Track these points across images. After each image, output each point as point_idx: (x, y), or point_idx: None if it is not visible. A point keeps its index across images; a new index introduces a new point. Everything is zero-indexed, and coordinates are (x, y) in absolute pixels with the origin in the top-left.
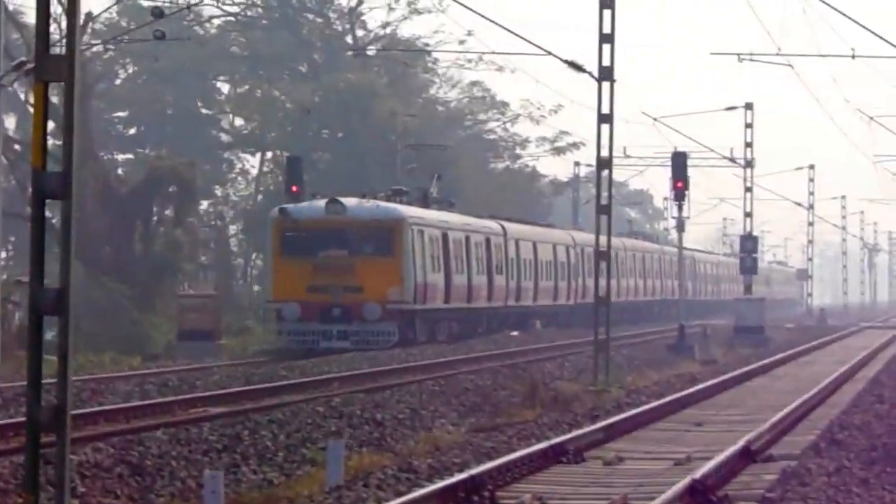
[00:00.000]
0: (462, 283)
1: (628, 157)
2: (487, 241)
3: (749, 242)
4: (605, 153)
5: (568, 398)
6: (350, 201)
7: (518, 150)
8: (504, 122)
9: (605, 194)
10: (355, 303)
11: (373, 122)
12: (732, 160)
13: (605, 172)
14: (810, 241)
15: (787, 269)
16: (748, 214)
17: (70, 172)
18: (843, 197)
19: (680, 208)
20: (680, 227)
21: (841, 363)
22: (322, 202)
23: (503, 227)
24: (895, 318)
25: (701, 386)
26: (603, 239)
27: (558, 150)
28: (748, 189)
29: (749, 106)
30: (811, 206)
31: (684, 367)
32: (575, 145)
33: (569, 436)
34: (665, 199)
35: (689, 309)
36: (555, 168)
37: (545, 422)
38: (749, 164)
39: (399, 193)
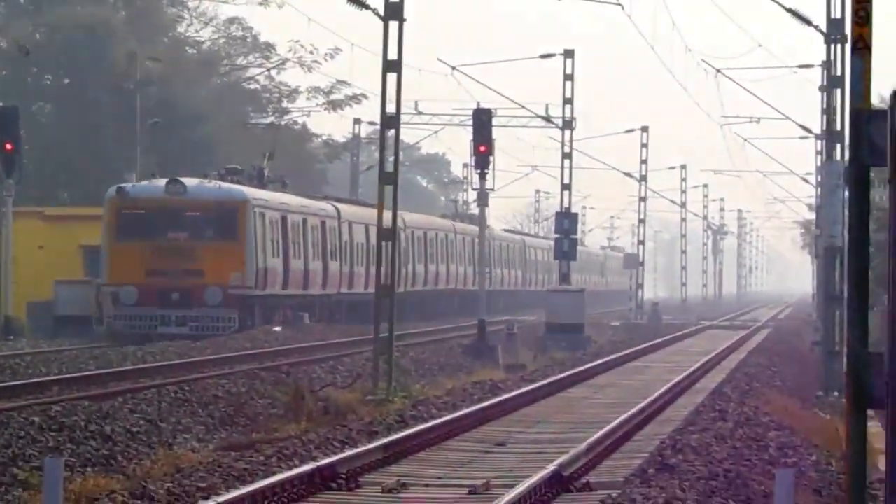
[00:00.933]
0: (299, 268)
1: (421, 113)
2: (323, 224)
3: (566, 220)
4: (391, 109)
5: (341, 410)
6: (191, 181)
7: (285, 104)
8: (268, 69)
9: (390, 159)
10: (196, 287)
11: (106, 67)
12: (548, 119)
13: (392, 132)
14: (642, 221)
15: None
16: (566, 186)
17: None
18: (684, 167)
19: (482, 177)
20: (482, 199)
21: (676, 370)
22: (162, 182)
23: (337, 210)
24: (744, 317)
25: (504, 397)
26: (388, 215)
27: (334, 105)
28: (567, 155)
29: (569, 54)
30: (643, 178)
31: (485, 374)
32: (355, 98)
33: (340, 456)
34: (465, 165)
35: (517, 301)
36: (330, 126)
37: (312, 439)
38: (568, 124)
39: (233, 172)
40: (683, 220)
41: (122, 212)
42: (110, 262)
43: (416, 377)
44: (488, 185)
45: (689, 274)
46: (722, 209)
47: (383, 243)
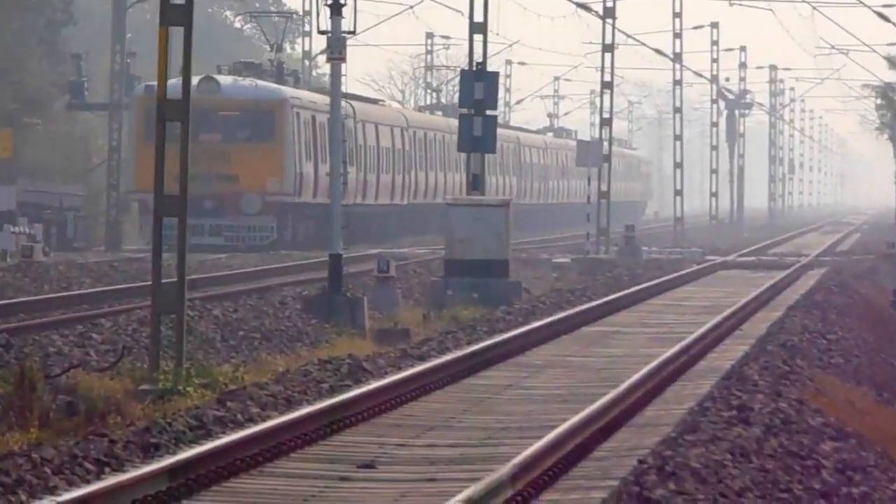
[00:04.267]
0: (325, 174)
1: None
2: (343, 125)
3: (480, 84)
4: None
5: (97, 408)
6: (225, 79)
7: None
8: None
9: None
10: (230, 194)
11: None
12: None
13: None
14: (607, 85)
15: (629, 152)
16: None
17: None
18: None
19: (335, 9)
20: (335, 48)
21: (663, 339)
22: (194, 78)
23: (352, 108)
24: (779, 248)
25: (373, 386)
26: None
27: None
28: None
29: None
30: (608, 11)
31: (341, 345)
32: None
33: (91, 489)
34: None
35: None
36: None
37: (48, 458)
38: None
39: (249, 67)
40: (678, 83)
41: (149, 112)
42: (137, 166)
43: (225, 352)
44: (346, 25)
45: (687, 175)
46: (743, 64)
47: (167, 125)
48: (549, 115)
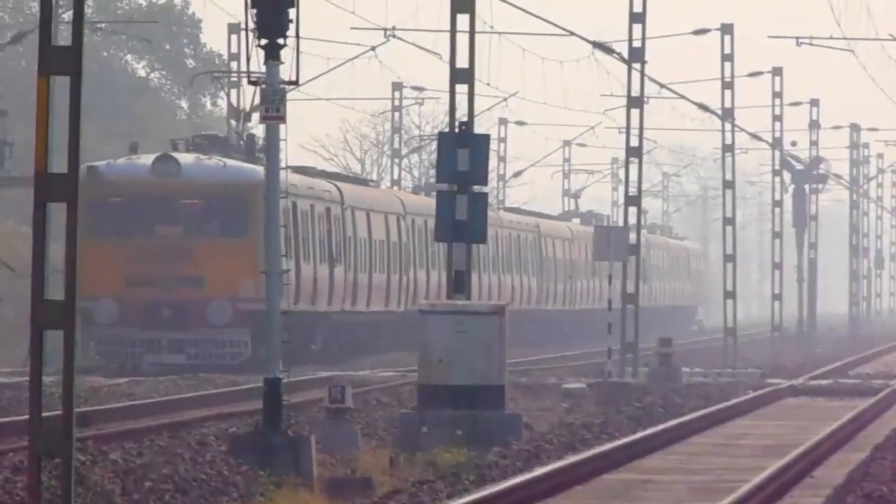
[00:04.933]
0: (309, 275)
1: None
2: (328, 211)
3: (464, 148)
4: None
5: None
6: (185, 158)
7: None
8: None
9: None
10: (195, 300)
11: None
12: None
13: None
14: (634, 152)
15: (675, 242)
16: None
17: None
18: (726, 27)
19: (270, 53)
20: (270, 103)
21: (712, 492)
22: (147, 159)
23: (339, 191)
24: (864, 367)
25: None
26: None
27: None
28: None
29: None
30: (636, 51)
31: (282, 501)
32: None
33: None
34: (235, 28)
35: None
36: None
37: None
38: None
39: (212, 141)
40: (728, 149)
41: (95, 199)
42: (79, 267)
43: None
44: (284, 73)
45: (742, 271)
46: (815, 123)
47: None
48: (573, 196)
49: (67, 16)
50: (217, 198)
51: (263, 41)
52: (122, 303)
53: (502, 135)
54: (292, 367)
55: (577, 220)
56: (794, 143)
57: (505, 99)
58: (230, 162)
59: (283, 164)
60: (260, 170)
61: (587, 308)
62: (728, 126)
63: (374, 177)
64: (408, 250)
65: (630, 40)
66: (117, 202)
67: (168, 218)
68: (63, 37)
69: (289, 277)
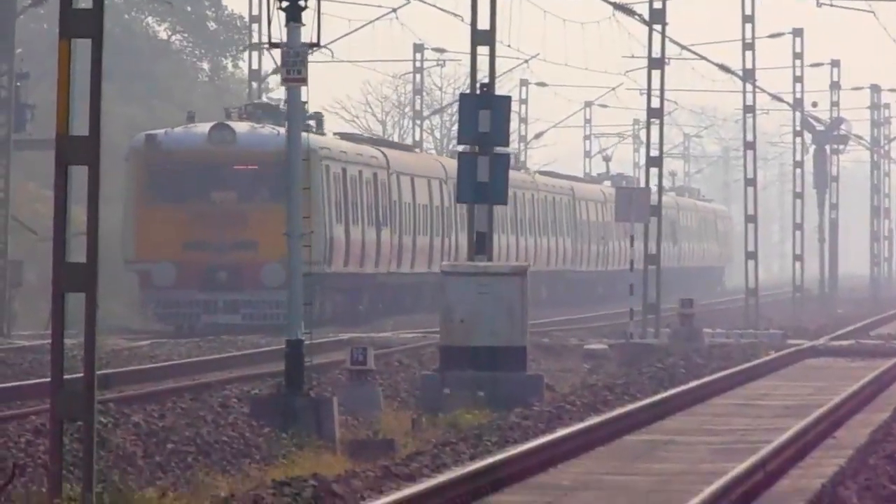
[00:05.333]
0: (357, 238)
1: None
2: (375, 177)
3: (485, 109)
4: None
5: None
6: (241, 126)
7: None
8: None
9: None
10: (249, 264)
11: None
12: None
13: None
14: (655, 113)
15: (702, 204)
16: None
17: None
18: None
19: (292, 16)
20: (291, 65)
21: (732, 450)
22: (204, 127)
23: (385, 157)
24: (885, 328)
25: None
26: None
27: None
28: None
29: None
30: (657, 13)
31: (304, 462)
32: None
33: None
34: None
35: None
36: None
37: None
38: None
39: (264, 109)
40: (749, 110)
41: (153, 167)
42: (138, 232)
43: (149, 471)
44: (306, 35)
45: (763, 232)
46: (836, 84)
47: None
48: (604, 158)
49: None
50: (270, 165)
51: (285, 3)
52: (179, 266)
53: (523, 96)
54: (338, 326)
55: (607, 183)
56: (814, 104)
57: (526, 60)
58: (283, 130)
59: (328, 132)
60: (312, 137)
61: (619, 269)
62: (749, 87)
63: (396, 138)
64: (450, 214)
65: (651, 1)
66: (175, 169)
67: (223, 184)
68: None
69: (339, 241)
